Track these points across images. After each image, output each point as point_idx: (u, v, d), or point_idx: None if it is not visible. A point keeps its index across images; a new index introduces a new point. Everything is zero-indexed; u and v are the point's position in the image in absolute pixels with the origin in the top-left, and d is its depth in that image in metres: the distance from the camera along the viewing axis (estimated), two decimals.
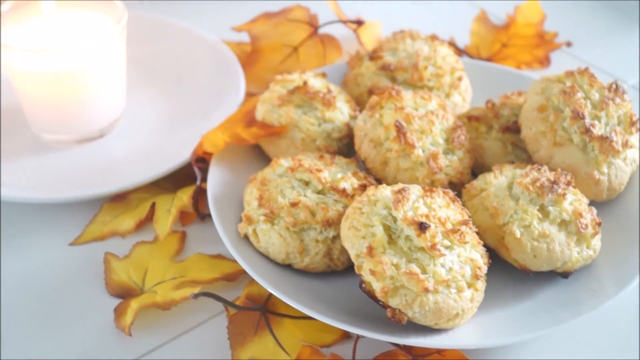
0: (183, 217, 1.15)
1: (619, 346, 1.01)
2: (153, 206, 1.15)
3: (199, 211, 1.15)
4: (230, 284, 1.06)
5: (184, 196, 1.15)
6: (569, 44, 1.49)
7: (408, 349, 0.97)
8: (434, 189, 0.99)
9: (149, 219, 1.15)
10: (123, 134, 1.28)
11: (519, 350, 0.99)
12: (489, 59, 1.44)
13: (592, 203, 1.08)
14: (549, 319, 0.97)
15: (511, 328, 0.96)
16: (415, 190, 0.98)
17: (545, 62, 1.45)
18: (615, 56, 1.50)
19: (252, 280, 1.04)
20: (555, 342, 1.01)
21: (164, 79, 1.39)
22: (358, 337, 0.98)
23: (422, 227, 0.92)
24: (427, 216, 0.94)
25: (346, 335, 1.00)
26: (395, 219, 0.94)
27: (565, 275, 1.01)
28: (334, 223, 1.01)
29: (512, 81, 1.31)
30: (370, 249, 0.92)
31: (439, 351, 0.96)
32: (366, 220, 0.95)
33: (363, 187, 1.05)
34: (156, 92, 1.37)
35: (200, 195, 1.15)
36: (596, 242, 1.02)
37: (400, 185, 0.98)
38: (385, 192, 0.97)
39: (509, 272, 1.03)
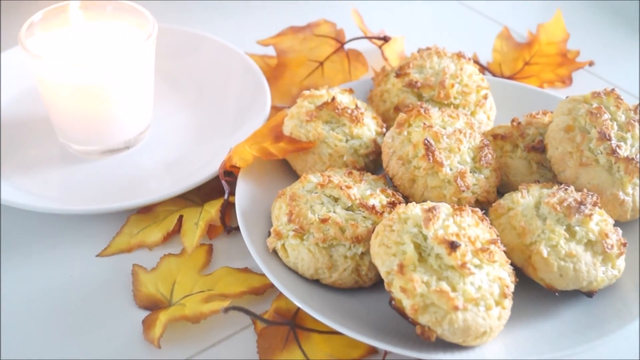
0: (210, 230, 1.16)
1: None
2: (180, 219, 1.16)
3: (226, 225, 1.16)
4: (258, 298, 1.07)
5: (212, 209, 1.16)
6: (591, 64, 1.50)
7: None
8: (463, 207, 1.00)
9: (176, 231, 1.16)
10: (150, 146, 1.30)
11: None
12: (511, 77, 1.45)
13: (616, 223, 1.09)
14: (573, 338, 0.98)
15: (536, 347, 0.97)
16: (444, 209, 0.99)
17: (567, 81, 1.46)
18: (636, 76, 1.51)
19: (280, 295, 1.05)
20: None
21: (190, 91, 1.40)
22: (385, 352, 0.99)
23: (453, 246, 0.93)
24: (457, 235, 0.95)
25: (373, 351, 1.01)
26: (425, 237, 0.95)
27: (590, 294, 1.02)
28: (362, 239, 1.02)
29: (535, 100, 1.32)
30: (401, 267, 0.93)
31: None
32: (397, 238, 0.96)
33: (392, 204, 1.06)
34: (182, 105, 1.38)
35: (227, 209, 1.16)
36: (621, 262, 1.03)
37: (430, 204, 0.99)
38: (416, 210, 0.99)
39: (533, 291, 1.04)
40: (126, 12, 1.27)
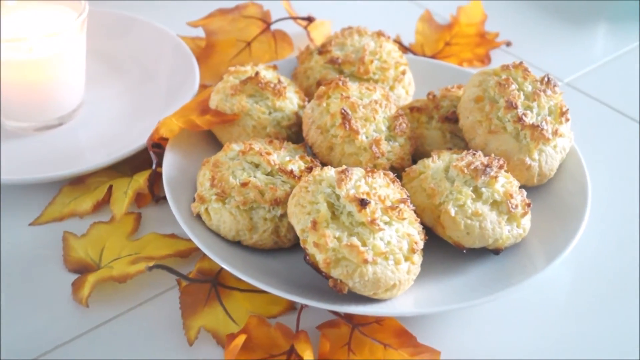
0: (139, 199, 1.21)
1: (549, 318, 1.08)
2: (110, 189, 1.21)
3: (154, 194, 1.21)
4: (183, 260, 1.12)
5: (140, 179, 1.20)
6: (508, 44, 1.57)
7: (349, 317, 1.03)
8: (376, 170, 1.05)
9: (106, 200, 1.20)
10: (83, 122, 1.34)
11: (452, 320, 1.07)
12: (432, 57, 1.51)
13: (524, 188, 1.15)
14: (480, 291, 1.03)
15: (444, 299, 1.03)
16: (357, 172, 1.04)
17: (485, 60, 1.52)
18: (551, 55, 1.58)
19: (204, 256, 1.10)
20: (486, 312, 1.08)
21: (124, 71, 1.45)
22: (302, 307, 1.05)
23: (362, 203, 0.99)
24: (368, 194, 1.01)
25: (291, 307, 1.06)
26: (338, 197, 1.01)
27: (496, 252, 1.08)
28: (281, 202, 1.07)
29: (453, 76, 1.38)
30: (315, 224, 0.98)
31: (377, 320, 1.03)
32: (311, 198, 1.01)
33: (310, 170, 1.11)
34: (115, 84, 1.43)
35: (155, 179, 1.21)
36: (526, 221, 1.10)
37: (344, 167, 1.04)
38: (330, 172, 1.04)
39: (444, 249, 1.09)
40: None
